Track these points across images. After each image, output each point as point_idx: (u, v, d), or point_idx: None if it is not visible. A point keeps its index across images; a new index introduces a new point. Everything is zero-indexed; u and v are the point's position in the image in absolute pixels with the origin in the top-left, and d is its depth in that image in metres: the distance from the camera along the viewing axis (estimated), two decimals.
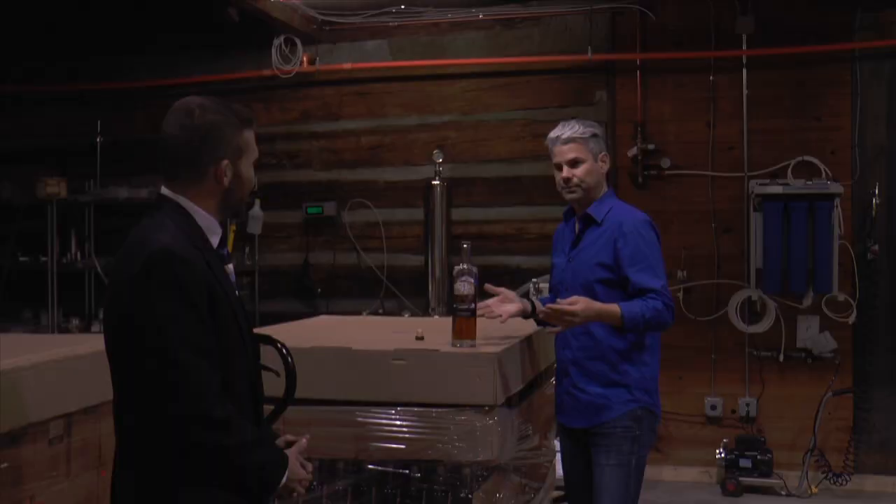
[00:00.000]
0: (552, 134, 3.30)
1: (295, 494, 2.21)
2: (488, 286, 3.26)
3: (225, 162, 2.13)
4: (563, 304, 3.07)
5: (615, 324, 3.09)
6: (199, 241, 2.11)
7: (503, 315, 3.14)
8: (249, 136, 2.19)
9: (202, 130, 2.10)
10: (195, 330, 1.99)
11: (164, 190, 2.16)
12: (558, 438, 3.53)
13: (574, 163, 3.24)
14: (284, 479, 2.14)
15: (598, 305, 3.09)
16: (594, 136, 3.26)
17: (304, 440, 2.29)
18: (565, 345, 3.28)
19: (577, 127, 3.26)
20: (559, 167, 3.27)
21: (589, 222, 3.27)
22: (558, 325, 3.11)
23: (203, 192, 2.14)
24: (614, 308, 3.08)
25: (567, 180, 3.25)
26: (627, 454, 3.18)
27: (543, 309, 3.14)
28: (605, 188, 3.31)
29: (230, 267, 2.22)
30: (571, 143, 3.24)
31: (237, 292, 2.23)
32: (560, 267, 3.35)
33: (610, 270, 3.17)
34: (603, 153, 3.28)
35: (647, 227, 3.21)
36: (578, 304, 3.05)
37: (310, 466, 2.25)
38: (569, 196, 3.28)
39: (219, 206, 2.17)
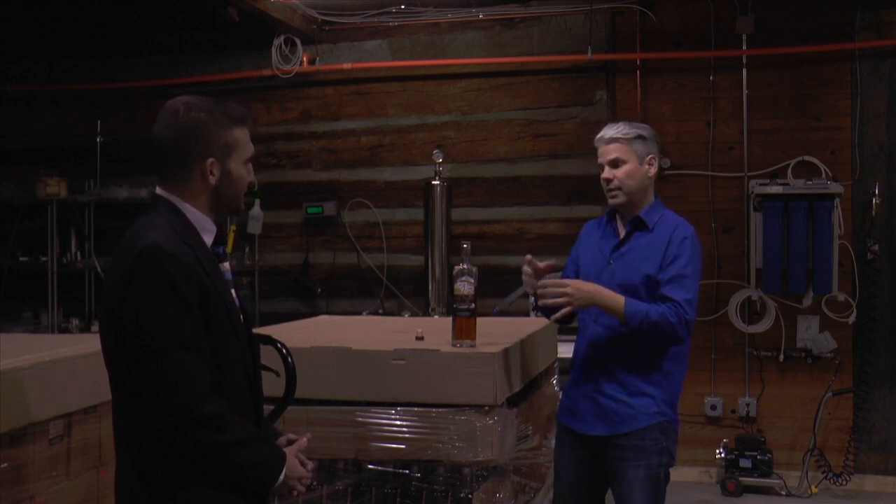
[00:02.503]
0: (599, 134, 3.22)
1: (295, 493, 2.21)
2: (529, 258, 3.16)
3: (211, 160, 2.13)
4: (557, 281, 3.02)
5: (617, 314, 2.99)
6: (192, 239, 2.11)
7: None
8: (241, 133, 2.18)
9: (187, 129, 2.11)
10: (184, 326, 2.00)
11: (158, 189, 2.17)
12: (557, 442, 3.37)
13: (615, 163, 3.15)
14: (282, 477, 2.14)
15: (598, 288, 3.01)
16: (639, 137, 3.16)
17: (304, 439, 2.29)
18: (594, 347, 3.15)
19: (622, 127, 3.17)
20: (602, 168, 3.19)
21: (638, 226, 3.17)
22: (560, 299, 2.99)
23: (193, 191, 2.14)
24: (618, 298, 2.99)
25: (607, 181, 3.16)
26: (657, 467, 3.08)
27: (540, 283, 3.05)
28: (652, 196, 3.21)
29: (226, 265, 2.22)
30: (614, 143, 3.15)
31: (235, 291, 2.23)
32: (595, 267, 3.20)
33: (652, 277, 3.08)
34: (651, 156, 3.16)
35: (696, 241, 3.13)
36: (574, 283, 3.00)
37: (310, 465, 2.25)
38: (611, 200, 3.17)
39: (210, 204, 2.17)
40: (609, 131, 3.18)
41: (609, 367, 3.11)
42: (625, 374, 3.09)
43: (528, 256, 3.17)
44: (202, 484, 2.05)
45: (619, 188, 3.15)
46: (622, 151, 3.15)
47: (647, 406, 3.08)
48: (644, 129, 3.20)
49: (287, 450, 2.21)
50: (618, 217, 3.25)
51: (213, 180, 2.14)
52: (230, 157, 2.16)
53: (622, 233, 3.21)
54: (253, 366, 2.23)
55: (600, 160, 3.19)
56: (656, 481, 3.08)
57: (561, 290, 3.00)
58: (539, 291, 3.06)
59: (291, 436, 2.32)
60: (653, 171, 3.19)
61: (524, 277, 3.17)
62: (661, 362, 3.10)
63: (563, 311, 3.03)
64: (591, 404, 3.14)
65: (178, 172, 2.14)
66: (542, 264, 3.14)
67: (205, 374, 2.01)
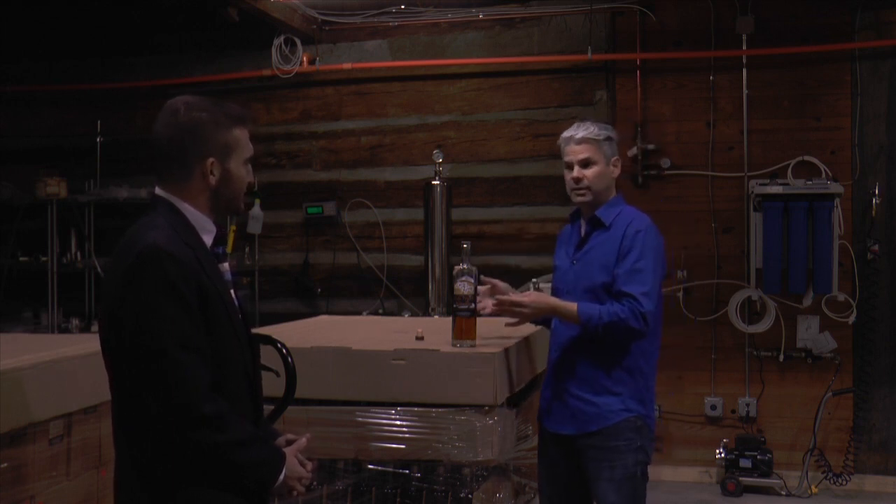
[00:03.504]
0: (566, 133, 3.23)
1: (294, 493, 2.20)
2: (485, 279, 3.25)
3: (211, 160, 2.12)
4: (514, 296, 3.11)
5: (572, 321, 3.03)
6: (192, 239, 2.11)
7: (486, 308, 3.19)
8: (240, 134, 2.18)
9: (187, 128, 2.11)
10: (184, 326, 2.00)
11: (158, 189, 2.17)
12: (538, 444, 3.36)
13: (585, 163, 3.15)
14: (282, 477, 2.14)
15: (552, 300, 3.10)
16: (608, 139, 3.19)
17: (304, 439, 2.29)
18: (559, 346, 3.18)
19: (591, 128, 3.19)
20: (570, 166, 3.19)
21: (596, 225, 3.19)
22: (511, 317, 3.12)
23: (192, 191, 2.14)
24: (571, 306, 3.04)
25: (577, 180, 3.17)
26: (633, 466, 3.07)
27: (493, 300, 3.16)
28: (613, 193, 3.24)
29: (226, 265, 2.22)
30: (585, 143, 3.16)
31: (234, 291, 2.23)
32: (563, 269, 3.26)
33: (611, 273, 3.08)
34: (615, 157, 3.20)
35: (651, 233, 3.13)
36: (529, 296, 3.08)
37: (309, 465, 2.24)
38: (577, 198, 3.20)
39: (210, 205, 2.17)
40: (579, 131, 3.19)
41: (575, 367, 3.13)
42: (590, 373, 3.10)
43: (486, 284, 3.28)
44: (202, 484, 2.05)
45: (588, 188, 3.16)
46: (592, 152, 3.16)
47: (611, 404, 3.07)
48: (612, 131, 3.24)
49: (287, 450, 2.21)
50: (582, 217, 3.27)
51: (212, 180, 2.14)
52: (230, 157, 2.16)
53: (584, 233, 3.23)
54: (252, 366, 2.23)
55: (568, 159, 3.20)
56: (633, 480, 3.07)
57: (517, 309, 3.09)
58: (496, 309, 3.15)
59: (291, 436, 2.32)
60: (617, 172, 3.23)
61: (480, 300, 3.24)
62: (626, 359, 3.09)
63: (515, 321, 3.16)
64: (559, 404, 3.16)
65: (177, 172, 2.13)
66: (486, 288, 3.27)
67: (205, 374, 2.02)
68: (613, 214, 3.18)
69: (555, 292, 3.28)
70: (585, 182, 3.16)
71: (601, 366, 3.09)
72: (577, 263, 3.18)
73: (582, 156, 3.16)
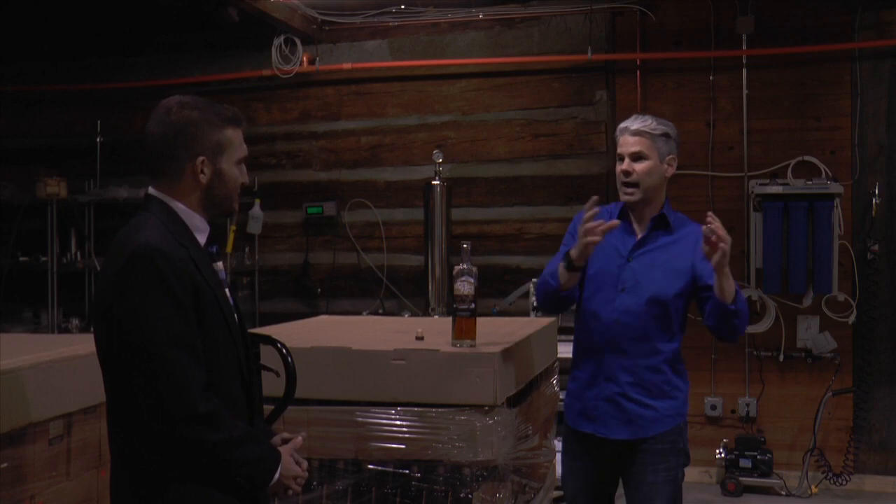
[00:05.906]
0: (622, 124, 3.12)
1: (290, 492, 2.21)
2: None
3: (201, 159, 2.13)
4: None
5: (728, 292, 2.84)
6: (185, 238, 2.11)
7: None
8: (233, 134, 2.18)
9: (178, 127, 2.11)
10: (177, 325, 2.00)
11: (151, 189, 2.18)
12: (561, 443, 3.31)
13: (636, 157, 3.04)
14: (277, 476, 2.14)
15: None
16: (665, 135, 3.06)
17: (299, 438, 2.29)
18: (615, 348, 3.04)
19: (649, 121, 3.07)
20: (621, 158, 3.07)
21: (660, 225, 3.08)
22: (711, 247, 2.77)
23: (184, 189, 2.14)
24: (732, 280, 2.87)
25: (626, 173, 3.04)
26: (675, 468, 3.05)
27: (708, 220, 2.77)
28: (664, 195, 3.13)
29: (220, 265, 2.22)
30: (639, 135, 3.04)
31: (229, 290, 2.23)
32: (613, 265, 3.07)
33: (685, 279, 3.01)
34: (671, 156, 3.07)
35: None
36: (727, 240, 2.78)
37: (304, 464, 2.25)
38: (625, 196, 3.06)
39: (202, 204, 2.17)
40: (635, 123, 3.08)
41: (636, 371, 3.03)
42: (649, 376, 3.03)
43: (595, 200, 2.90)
44: (195, 482, 2.06)
45: (637, 184, 3.04)
46: (645, 146, 3.05)
47: (669, 408, 3.04)
48: (670, 128, 3.11)
49: (282, 449, 2.22)
50: (631, 215, 3.14)
51: (203, 179, 2.14)
52: (222, 156, 2.16)
53: (638, 230, 3.12)
54: (247, 365, 2.23)
55: (620, 150, 3.09)
56: (675, 482, 3.06)
57: (723, 245, 2.75)
58: (711, 227, 2.76)
59: (286, 435, 2.32)
60: (671, 171, 3.10)
61: (586, 226, 2.88)
62: (680, 363, 3.06)
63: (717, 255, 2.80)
64: (613, 408, 3.06)
65: (168, 171, 2.14)
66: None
67: (198, 372, 2.02)
68: (672, 218, 3.10)
69: (598, 286, 3.08)
70: (634, 177, 3.04)
71: (660, 368, 3.03)
72: (633, 261, 3.06)
73: (634, 148, 3.05)
